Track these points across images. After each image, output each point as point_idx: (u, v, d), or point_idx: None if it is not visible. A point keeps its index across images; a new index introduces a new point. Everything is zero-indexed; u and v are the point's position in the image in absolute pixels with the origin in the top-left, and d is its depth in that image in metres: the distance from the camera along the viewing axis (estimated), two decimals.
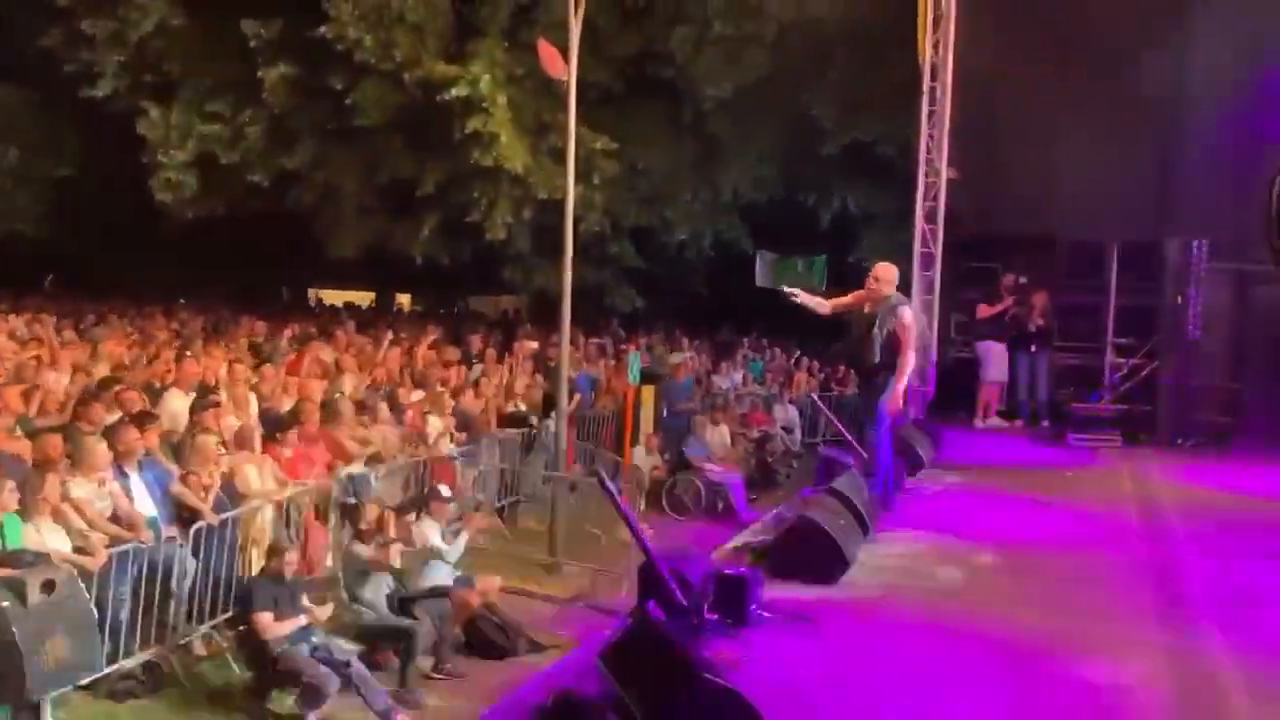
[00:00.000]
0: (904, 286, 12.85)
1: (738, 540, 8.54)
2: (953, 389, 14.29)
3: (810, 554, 7.01)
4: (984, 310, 14.12)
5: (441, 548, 7.72)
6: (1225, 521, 8.49)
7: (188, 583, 6.84)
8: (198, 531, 6.89)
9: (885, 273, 8.37)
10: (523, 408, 12.04)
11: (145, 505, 6.82)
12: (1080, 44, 12.94)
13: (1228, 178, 12.07)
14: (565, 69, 9.50)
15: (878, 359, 8.27)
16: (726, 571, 6.36)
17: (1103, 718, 4.96)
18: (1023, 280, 14.12)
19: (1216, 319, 13.06)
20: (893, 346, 8.14)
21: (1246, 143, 11.85)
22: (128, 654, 6.41)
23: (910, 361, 8.21)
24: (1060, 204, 13.68)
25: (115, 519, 6.56)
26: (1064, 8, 13.02)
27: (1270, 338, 12.74)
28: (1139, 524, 8.67)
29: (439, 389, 10.97)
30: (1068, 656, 5.61)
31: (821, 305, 8.44)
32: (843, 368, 16.93)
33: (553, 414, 10.51)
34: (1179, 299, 12.88)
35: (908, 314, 8.20)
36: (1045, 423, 13.63)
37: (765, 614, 6.19)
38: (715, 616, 5.97)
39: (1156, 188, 13.08)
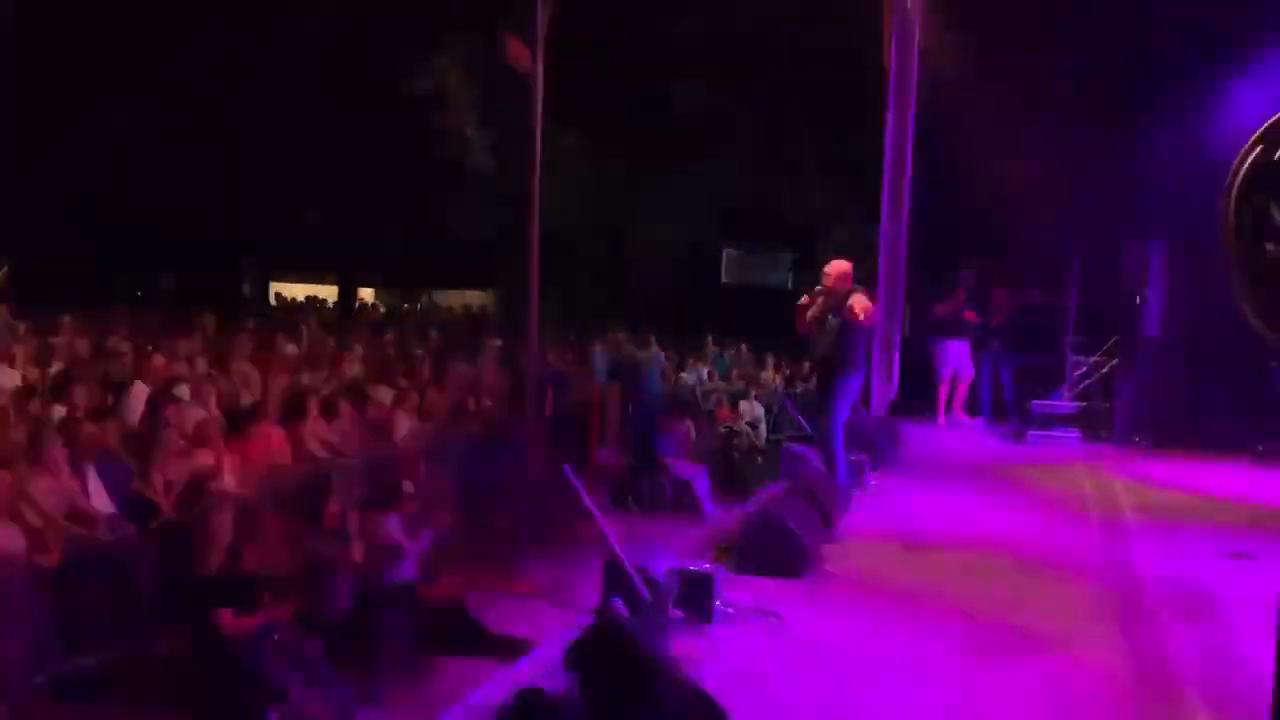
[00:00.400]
0: (868, 286, 12.92)
1: (702, 536, 8.56)
2: (916, 386, 14.42)
3: (775, 550, 7.04)
4: (939, 309, 14.23)
5: (405, 544, 7.66)
6: (1181, 519, 8.62)
7: (146, 581, 6.73)
8: (156, 529, 6.78)
9: (833, 268, 8.43)
10: (489, 404, 11.99)
11: (103, 502, 6.71)
12: (1042, 47, 13.09)
13: (1186, 179, 12.25)
14: (532, 63, 9.45)
15: (830, 353, 8.36)
16: (691, 568, 6.36)
17: (1061, 713, 5.02)
18: (972, 280, 14.20)
19: (1174, 319, 13.26)
20: (843, 337, 8.18)
21: (1204, 141, 12.05)
22: (84, 654, 6.30)
23: (867, 303, 8.15)
24: (1022, 204, 13.84)
25: (72, 516, 6.46)
26: (1028, 12, 13.17)
27: (1225, 338, 12.95)
28: (1097, 521, 8.78)
29: (404, 385, 10.90)
30: (1028, 652, 5.67)
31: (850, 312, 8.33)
32: (807, 365, 17.03)
33: (519, 411, 10.47)
34: (1137, 299, 13.04)
35: (859, 298, 8.19)
36: (1006, 420, 13.78)
37: (730, 610, 6.21)
38: (680, 613, 5.98)
39: (1116, 189, 13.27)
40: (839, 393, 8.36)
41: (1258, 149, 1.61)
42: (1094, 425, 13.08)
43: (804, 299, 8.54)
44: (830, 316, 8.28)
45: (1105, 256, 13.69)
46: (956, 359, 13.98)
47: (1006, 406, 13.95)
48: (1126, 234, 13.43)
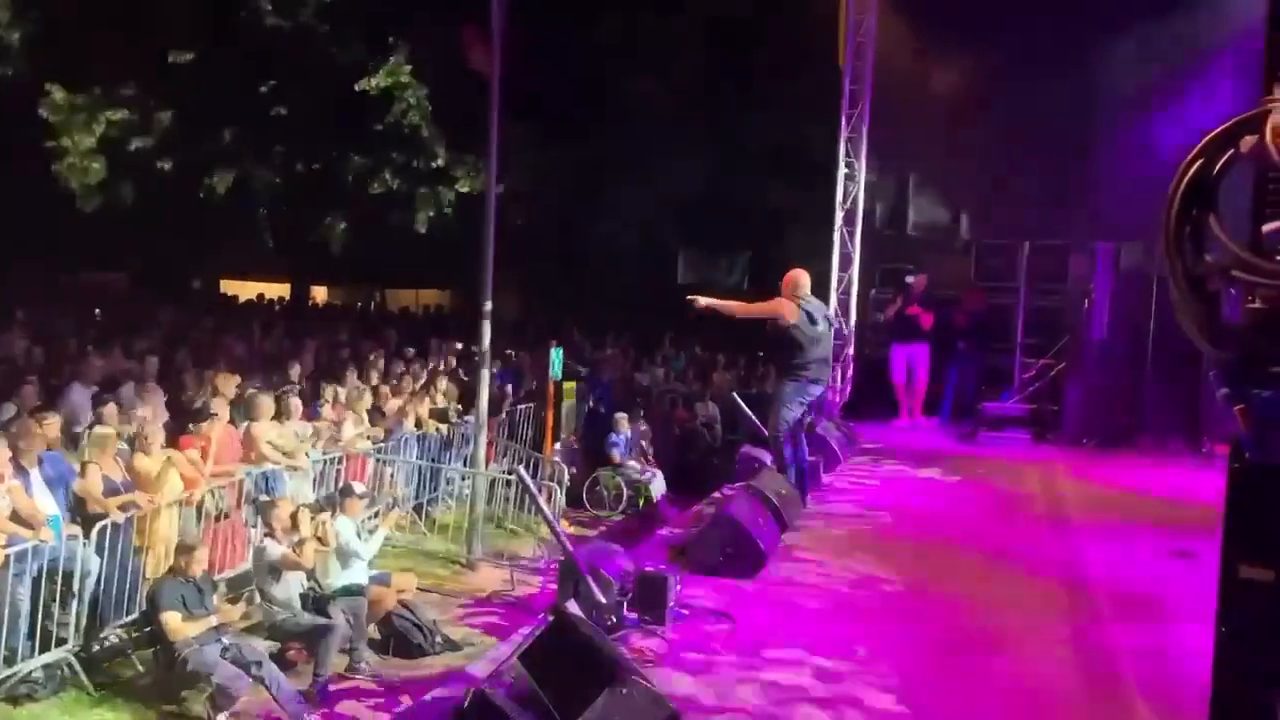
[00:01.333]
0: (823, 286, 13.02)
1: (658, 537, 8.57)
2: (869, 388, 14.53)
3: (730, 550, 7.06)
4: (888, 311, 14.30)
5: (356, 545, 7.61)
6: (1128, 519, 8.77)
7: (90, 582, 6.63)
8: (101, 529, 6.67)
9: (786, 280, 8.44)
10: (442, 403, 11.93)
11: (46, 503, 6.58)
12: (994, 51, 13.26)
13: (1133, 182, 12.47)
14: (489, 61, 9.43)
15: (776, 357, 8.42)
16: (646, 569, 6.36)
17: (1009, 710, 5.09)
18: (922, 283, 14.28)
19: (1120, 321, 13.48)
20: (785, 342, 8.21)
21: (1152, 148, 12.28)
22: (26, 656, 6.19)
23: (722, 303, 8.17)
24: (973, 207, 14.04)
25: (14, 517, 6.33)
26: (980, 15, 13.33)
27: (1169, 339, 13.22)
28: (1046, 522, 8.91)
29: (356, 385, 10.81)
30: (978, 651, 5.75)
31: (730, 308, 8.35)
32: (761, 365, 17.12)
33: (473, 410, 10.43)
34: (1085, 302, 13.24)
35: (776, 300, 8.21)
36: (959, 421, 13.93)
37: (685, 611, 6.22)
38: (635, 614, 5.98)
39: (1064, 192, 13.49)
40: (784, 394, 8.41)
41: (1197, 163, 1.64)
42: (1043, 427, 13.26)
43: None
44: (774, 322, 8.29)
45: (1054, 259, 13.91)
46: (910, 361, 14.08)
47: (967, 408, 14.07)
48: (1074, 236, 13.65)
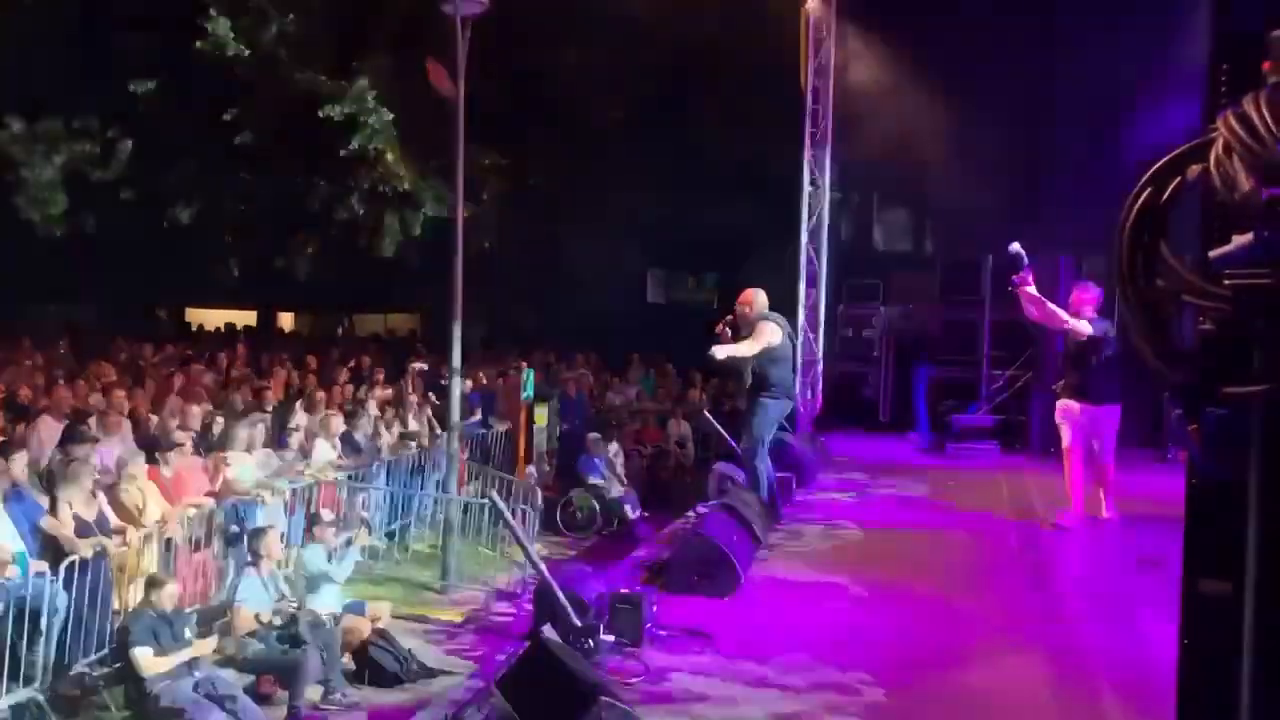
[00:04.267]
0: (790, 303, 13.13)
1: (632, 558, 8.58)
2: (839, 402, 14.65)
3: (705, 570, 7.09)
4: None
5: (326, 569, 7.56)
6: (1095, 528, 8.88)
7: (59, 619, 6.53)
8: (69, 565, 6.59)
9: (743, 298, 8.56)
10: (413, 428, 11.88)
11: (11, 539, 6.50)
12: (954, 68, 13.47)
13: (1094, 195, 12.68)
14: (453, 87, 9.46)
15: (748, 379, 8.52)
16: (622, 590, 6.38)
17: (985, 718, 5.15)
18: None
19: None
20: (760, 359, 8.31)
21: (1112, 160, 12.51)
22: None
23: (736, 348, 8.26)
24: (936, 221, 14.23)
25: None
26: (939, 32, 13.55)
27: (1132, 349, 13.43)
28: (1016, 531, 9.01)
29: (325, 411, 10.75)
30: (951, 664, 5.80)
31: (742, 350, 8.35)
32: (732, 384, 17.19)
33: (444, 434, 10.40)
34: None
35: (762, 325, 8.32)
36: (934, 433, 14.06)
37: (661, 632, 6.23)
38: (611, 636, 5.99)
39: (1027, 205, 13.69)
40: (757, 412, 8.49)
41: (1146, 191, 1.71)
42: (1011, 437, 13.41)
43: (719, 326, 8.63)
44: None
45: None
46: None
47: (933, 419, 14.21)
48: (1035, 248, 13.84)
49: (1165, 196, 1.68)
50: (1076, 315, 8.64)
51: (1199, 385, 1.62)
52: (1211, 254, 1.59)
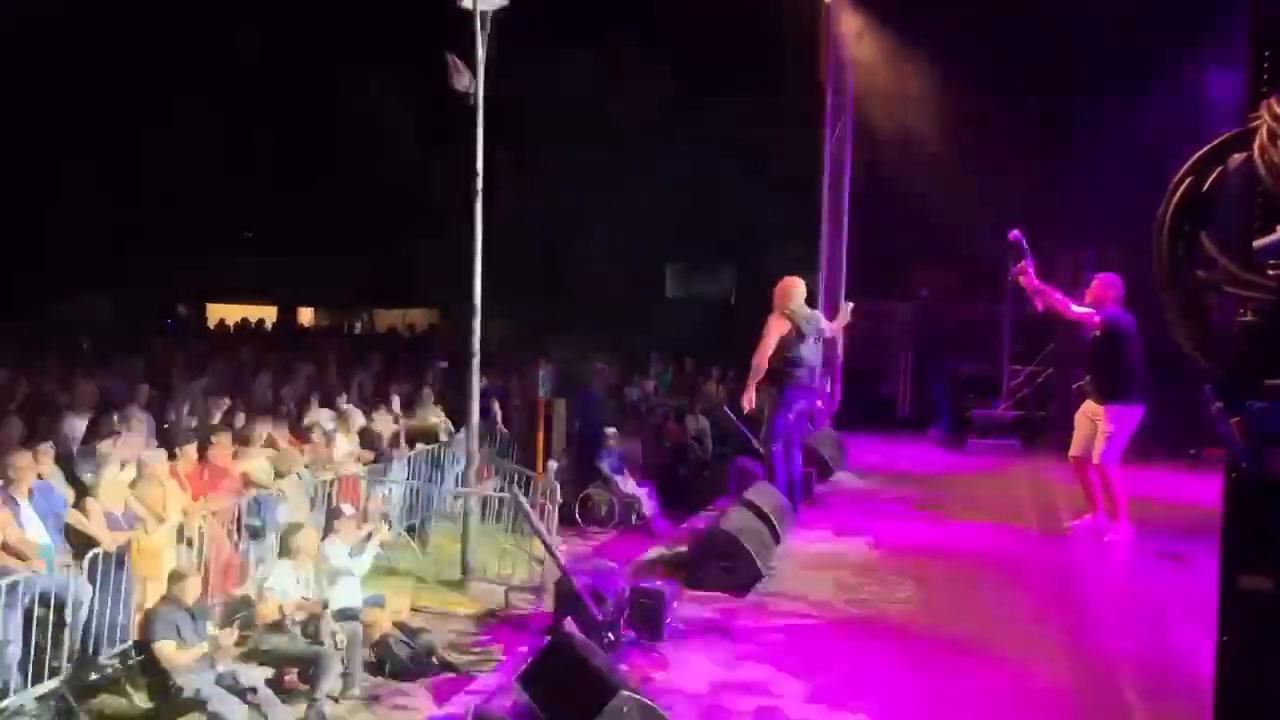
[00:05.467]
0: (809, 300, 13.07)
1: (652, 553, 8.57)
2: (857, 399, 14.58)
3: (725, 565, 7.08)
4: None
5: (348, 564, 7.58)
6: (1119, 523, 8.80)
7: (83, 612, 6.58)
8: (93, 558, 6.63)
9: (776, 291, 8.51)
10: (433, 422, 11.91)
11: (37, 533, 6.54)
12: (974, 61, 13.36)
13: (1115, 190, 12.59)
14: (472, 83, 9.45)
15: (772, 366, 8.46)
16: (642, 585, 6.37)
17: (1007, 718, 5.11)
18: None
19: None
20: (780, 351, 8.29)
21: (1133, 155, 12.40)
22: (19, 688, 6.14)
23: (755, 361, 8.26)
24: (958, 218, 14.12)
25: (5, 548, 6.29)
26: (958, 28, 13.44)
27: (1157, 343, 13.33)
28: (1037, 527, 8.95)
29: (346, 406, 10.79)
30: (974, 658, 5.77)
31: (757, 370, 8.38)
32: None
33: (463, 429, 10.41)
34: None
35: (770, 322, 8.33)
36: (946, 428, 14.00)
37: (682, 626, 6.23)
38: (632, 631, 5.99)
39: (1047, 199, 13.58)
40: (774, 405, 8.45)
41: (1187, 180, 1.68)
42: (1033, 433, 13.33)
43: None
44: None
45: (1039, 265, 13.99)
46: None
47: (954, 415, 14.15)
48: (1059, 243, 13.76)
49: (1206, 185, 1.66)
50: (1100, 307, 8.25)
51: (1240, 377, 1.59)
52: (1256, 244, 1.57)
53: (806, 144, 15.50)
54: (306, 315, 27.51)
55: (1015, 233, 8.13)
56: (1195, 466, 11.60)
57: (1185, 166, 1.70)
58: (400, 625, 7.57)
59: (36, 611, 6.27)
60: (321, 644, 6.87)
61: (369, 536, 8.01)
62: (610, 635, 5.75)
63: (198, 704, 6.20)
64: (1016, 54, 13.12)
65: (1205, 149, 1.68)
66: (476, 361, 9.95)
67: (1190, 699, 4.70)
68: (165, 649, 6.26)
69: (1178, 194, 1.68)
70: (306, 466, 9.27)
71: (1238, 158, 1.64)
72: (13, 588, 6.09)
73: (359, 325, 25.70)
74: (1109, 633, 6.26)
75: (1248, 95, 1.64)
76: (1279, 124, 1.53)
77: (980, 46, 13.28)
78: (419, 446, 11.15)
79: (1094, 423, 8.26)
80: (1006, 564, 7.78)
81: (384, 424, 10.92)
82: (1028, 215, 13.65)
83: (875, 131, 14.38)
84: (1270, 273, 1.56)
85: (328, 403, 11.06)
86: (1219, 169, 1.67)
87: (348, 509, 8.18)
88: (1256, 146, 1.57)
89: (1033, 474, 10.86)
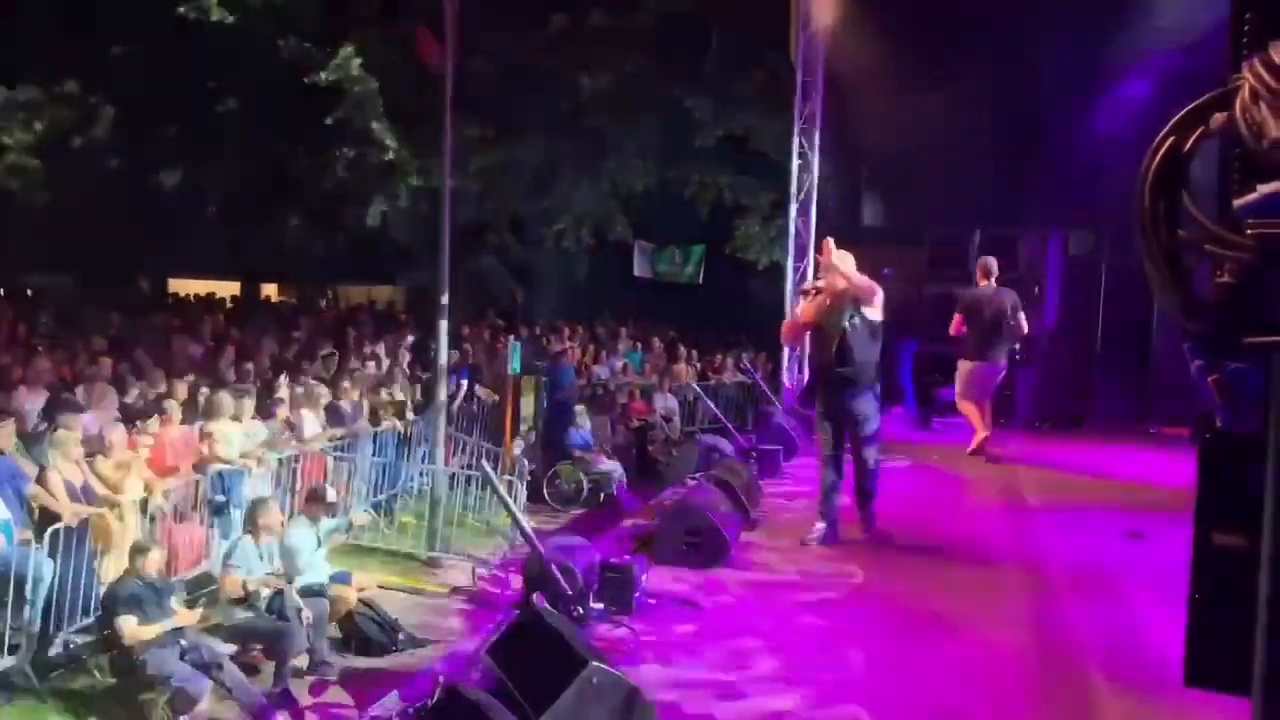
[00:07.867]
0: (778, 276, 13.11)
1: (621, 529, 8.59)
2: None
3: (693, 540, 7.11)
4: None
5: (312, 541, 7.49)
6: (1080, 500, 8.93)
7: (44, 587, 6.49)
8: (54, 533, 6.54)
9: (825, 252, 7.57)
10: (399, 399, 11.83)
11: None
12: (944, 41, 13.39)
13: (1081, 172, 12.71)
14: (442, 56, 9.36)
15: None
16: (611, 560, 6.38)
17: (971, 693, 5.17)
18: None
19: (1070, 307, 13.75)
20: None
21: (1099, 137, 12.52)
22: None
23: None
24: (925, 197, 14.19)
25: None
26: (930, 6, 13.46)
27: (1118, 326, 13.53)
28: (1001, 504, 9.05)
29: (311, 382, 10.69)
30: (938, 633, 5.83)
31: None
32: (719, 357, 17.20)
33: (431, 406, 10.36)
34: (1036, 289, 13.46)
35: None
36: (911, 407, 14.09)
37: (651, 601, 6.25)
38: (601, 606, 6.00)
39: (1014, 181, 13.68)
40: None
41: (1169, 140, 1.69)
42: (996, 412, 13.46)
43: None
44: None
45: (1005, 248, 14.11)
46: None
47: (919, 393, 14.23)
48: (1024, 224, 13.86)
49: (1188, 146, 1.67)
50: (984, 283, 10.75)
51: (1218, 337, 1.61)
52: (1236, 203, 1.58)
53: (776, 123, 15.51)
54: (270, 291, 27.17)
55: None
56: (1154, 443, 11.80)
57: (1167, 126, 1.70)
58: (366, 602, 7.54)
59: None
60: (287, 620, 6.82)
61: (332, 514, 7.94)
62: (579, 609, 5.75)
63: (161, 679, 6.14)
64: (985, 32, 13.15)
65: (1188, 108, 1.69)
66: (444, 338, 9.90)
67: (1157, 666, 4.80)
68: (127, 625, 6.19)
69: (1159, 154, 1.68)
70: (272, 443, 9.19)
71: (1219, 117, 1.65)
72: None
73: (324, 301, 25.44)
74: (1073, 602, 6.35)
75: (1229, 56, 1.65)
76: (1261, 84, 1.54)
77: (951, 26, 13.30)
78: (386, 423, 11.08)
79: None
80: (973, 538, 7.87)
81: (349, 400, 10.83)
82: (995, 194, 13.83)
83: (845, 111, 14.39)
84: (1249, 232, 1.57)
85: (293, 378, 10.94)
86: (1200, 129, 1.68)
87: (331, 493, 8.03)
88: (1238, 105, 1.58)
89: (994, 453, 10.95)
